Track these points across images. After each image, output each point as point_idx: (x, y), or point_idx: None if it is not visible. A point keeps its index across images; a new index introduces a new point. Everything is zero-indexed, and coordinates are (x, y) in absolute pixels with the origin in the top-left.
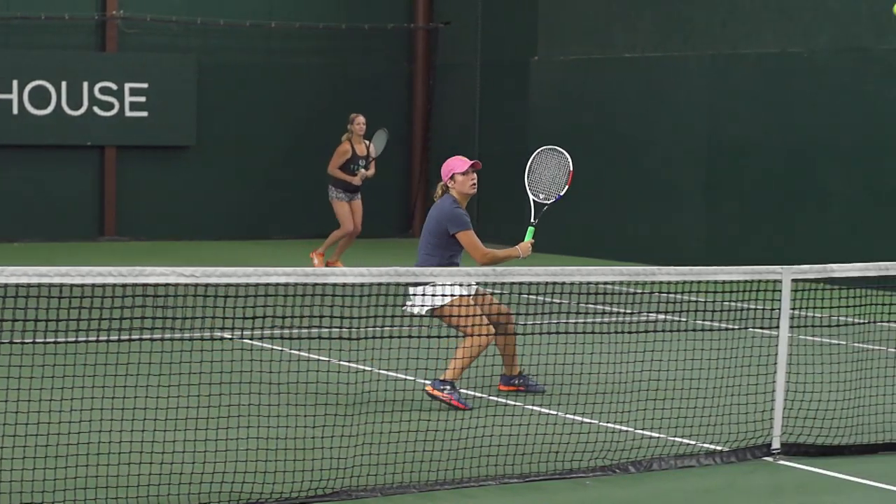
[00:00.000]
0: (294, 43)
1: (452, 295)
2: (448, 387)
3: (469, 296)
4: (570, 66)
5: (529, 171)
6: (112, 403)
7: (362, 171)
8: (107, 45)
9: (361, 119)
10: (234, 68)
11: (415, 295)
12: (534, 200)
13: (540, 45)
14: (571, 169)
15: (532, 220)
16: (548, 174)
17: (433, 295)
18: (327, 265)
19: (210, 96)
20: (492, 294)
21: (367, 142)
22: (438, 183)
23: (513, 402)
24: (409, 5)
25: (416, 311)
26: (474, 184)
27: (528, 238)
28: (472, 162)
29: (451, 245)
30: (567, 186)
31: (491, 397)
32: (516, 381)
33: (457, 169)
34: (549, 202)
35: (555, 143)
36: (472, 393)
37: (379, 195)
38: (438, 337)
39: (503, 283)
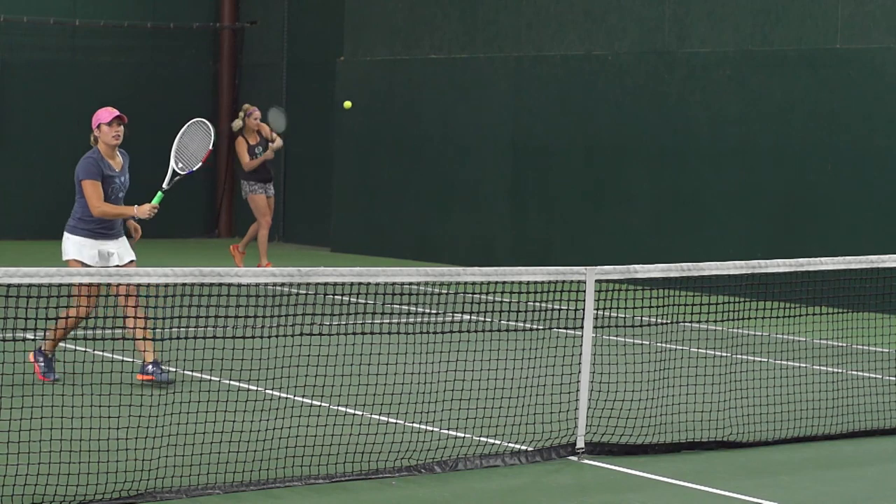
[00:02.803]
0: (99, 41)
1: (72, 257)
2: (42, 358)
3: (84, 263)
4: (376, 66)
5: (179, 138)
6: None
7: (271, 144)
8: None
9: (258, 114)
10: (37, 66)
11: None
12: (172, 168)
13: (346, 46)
14: (210, 149)
15: (164, 185)
16: (192, 147)
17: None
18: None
19: (13, 94)
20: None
21: (265, 124)
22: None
23: (318, 403)
24: (215, 4)
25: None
26: (117, 135)
27: (155, 202)
28: (117, 114)
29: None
30: (200, 164)
31: (296, 398)
32: (150, 369)
33: (102, 119)
34: (183, 173)
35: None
36: (277, 393)
37: (184, 195)
38: (244, 338)
39: (308, 284)
